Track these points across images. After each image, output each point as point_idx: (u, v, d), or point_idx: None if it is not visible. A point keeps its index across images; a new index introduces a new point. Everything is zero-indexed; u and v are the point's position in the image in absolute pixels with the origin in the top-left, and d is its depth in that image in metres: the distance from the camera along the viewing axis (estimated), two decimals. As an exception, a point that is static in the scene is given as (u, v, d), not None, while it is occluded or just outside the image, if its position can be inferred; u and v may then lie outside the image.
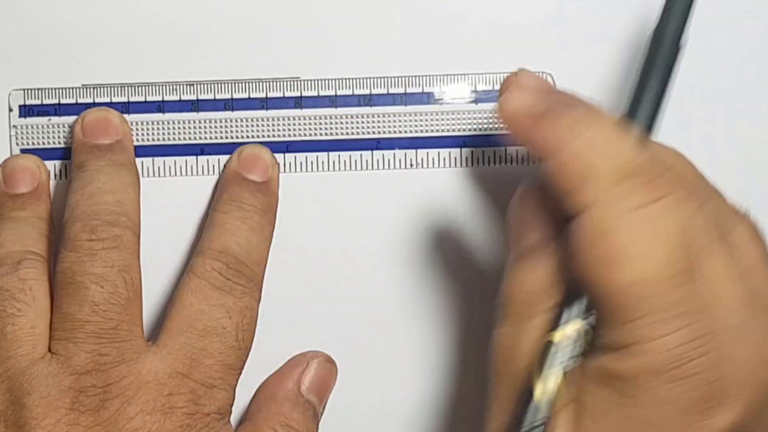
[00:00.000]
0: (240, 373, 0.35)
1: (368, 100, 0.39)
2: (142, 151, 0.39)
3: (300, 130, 0.39)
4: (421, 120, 0.39)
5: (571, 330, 0.30)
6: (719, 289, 0.29)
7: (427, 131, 0.39)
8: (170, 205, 0.39)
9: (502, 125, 0.31)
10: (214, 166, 0.39)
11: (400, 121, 0.39)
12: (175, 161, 0.39)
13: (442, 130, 0.39)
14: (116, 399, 0.33)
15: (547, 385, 0.30)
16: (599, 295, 0.29)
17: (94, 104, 0.39)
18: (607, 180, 0.29)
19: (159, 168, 0.39)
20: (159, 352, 0.34)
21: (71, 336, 0.34)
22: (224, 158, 0.39)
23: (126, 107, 0.39)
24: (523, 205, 0.33)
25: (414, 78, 0.38)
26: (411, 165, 0.39)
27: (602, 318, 0.29)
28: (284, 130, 0.39)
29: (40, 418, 0.32)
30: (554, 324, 0.30)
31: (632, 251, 0.28)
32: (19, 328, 0.34)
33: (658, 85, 0.31)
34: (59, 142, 0.39)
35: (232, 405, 0.35)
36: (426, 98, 0.38)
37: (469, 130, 0.39)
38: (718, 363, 0.28)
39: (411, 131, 0.39)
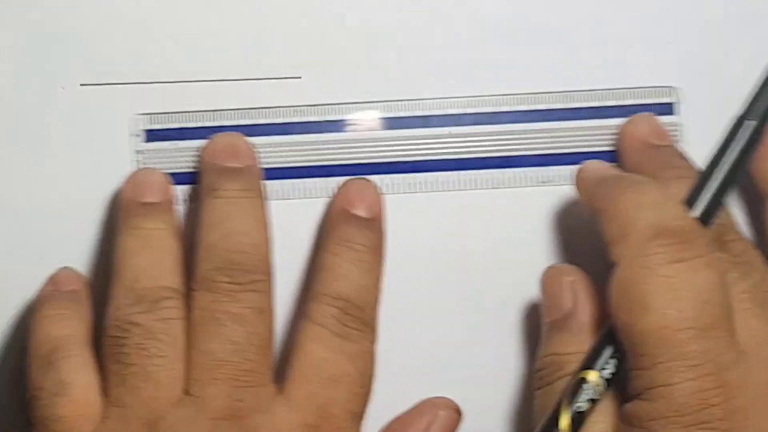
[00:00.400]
0: (363, 419, 0.35)
1: (494, 117, 0.39)
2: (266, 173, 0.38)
3: (426, 150, 0.39)
4: (547, 137, 0.39)
5: (596, 374, 0.33)
6: (750, 350, 0.32)
7: (555, 148, 0.39)
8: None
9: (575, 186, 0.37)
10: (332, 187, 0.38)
11: (526, 138, 0.39)
12: (294, 183, 0.38)
13: (568, 147, 0.39)
14: None
15: (570, 417, 0.33)
16: (627, 339, 0.32)
17: (220, 128, 0.38)
18: (642, 236, 0.32)
19: (280, 190, 0.38)
20: (287, 402, 0.34)
21: (209, 377, 0.33)
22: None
23: (251, 130, 0.38)
24: (551, 280, 0.36)
25: (531, 96, 0.39)
26: (542, 182, 0.39)
27: (631, 362, 0.32)
28: (408, 150, 0.39)
29: None
30: (587, 365, 0.33)
31: (656, 302, 0.31)
32: (161, 368, 0.34)
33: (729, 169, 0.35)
34: (185, 167, 0.38)
35: None
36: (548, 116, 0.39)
37: (589, 146, 0.39)
38: (732, 416, 0.30)
39: (539, 148, 0.39)
